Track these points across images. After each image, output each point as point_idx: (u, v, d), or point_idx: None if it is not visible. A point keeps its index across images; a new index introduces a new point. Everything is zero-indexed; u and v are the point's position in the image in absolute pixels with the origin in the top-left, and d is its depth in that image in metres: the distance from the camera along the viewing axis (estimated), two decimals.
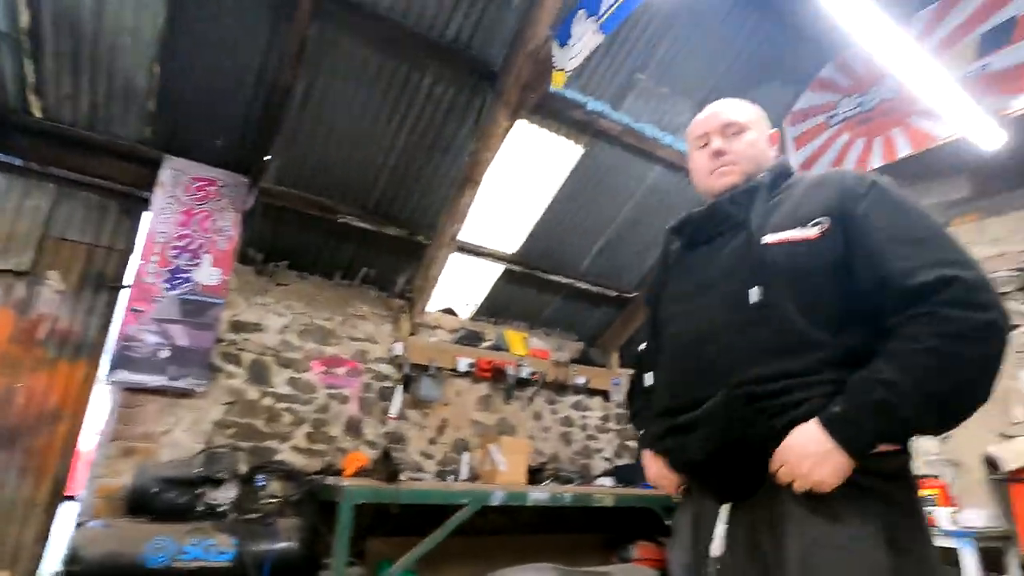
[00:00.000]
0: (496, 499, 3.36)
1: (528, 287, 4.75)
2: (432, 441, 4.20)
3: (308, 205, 3.66)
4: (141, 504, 2.79)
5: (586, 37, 2.49)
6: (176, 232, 3.52)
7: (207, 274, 3.54)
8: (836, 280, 1.05)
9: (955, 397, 0.94)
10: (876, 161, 3.47)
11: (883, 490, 0.96)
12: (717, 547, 1.05)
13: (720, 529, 1.05)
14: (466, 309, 4.87)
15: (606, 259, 4.83)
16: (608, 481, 4.59)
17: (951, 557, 2.89)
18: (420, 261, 4.07)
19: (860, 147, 3.59)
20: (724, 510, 1.06)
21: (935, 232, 1.02)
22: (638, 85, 3.76)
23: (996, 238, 3.62)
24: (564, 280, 4.75)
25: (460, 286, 4.74)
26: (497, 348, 4.64)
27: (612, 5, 2.33)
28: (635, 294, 5.10)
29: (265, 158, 3.43)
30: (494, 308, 4.86)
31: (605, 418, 5.28)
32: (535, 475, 3.76)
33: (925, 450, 3.61)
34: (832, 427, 0.95)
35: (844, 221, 1.07)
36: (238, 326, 3.67)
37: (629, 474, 4.65)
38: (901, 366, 0.93)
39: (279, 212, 3.68)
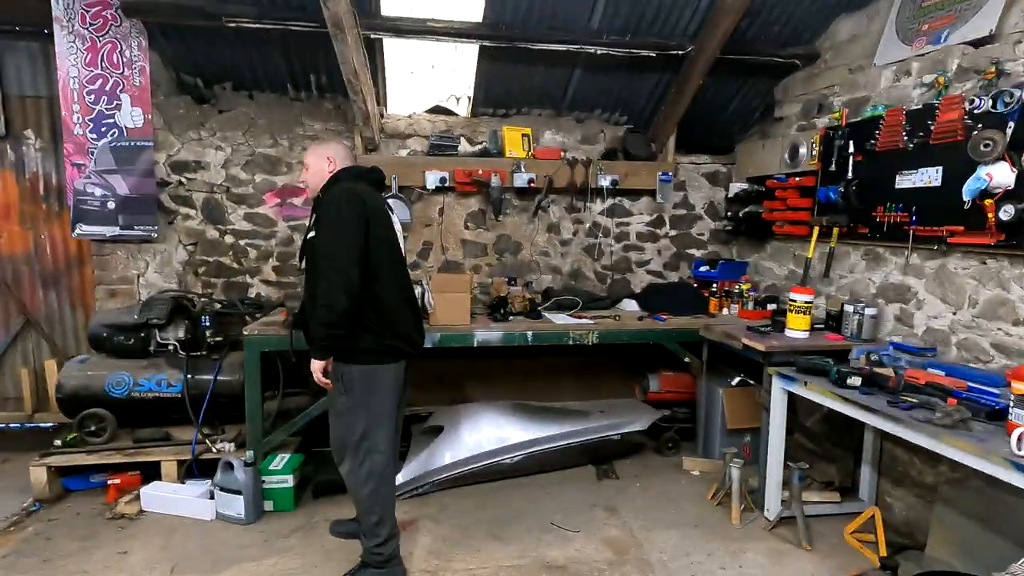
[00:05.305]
0: (427, 342, 3.01)
1: (520, 64, 3.54)
2: (415, 265, 3.87)
3: (188, 15, 3.03)
4: (100, 344, 3.19)
5: None
6: (87, 73, 3.32)
7: (129, 116, 3.37)
8: None
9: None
10: None
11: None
12: None
13: None
14: (458, 105, 3.96)
15: (629, 6, 3.23)
16: (635, 305, 3.78)
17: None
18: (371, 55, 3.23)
19: None
20: None
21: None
22: None
23: None
24: (565, 47, 3.38)
25: (440, 77, 3.78)
26: (486, 153, 3.77)
27: None
28: (689, 48, 3.45)
29: None
30: (491, 98, 3.82)
31: (657, 223, 4.19)
32: (494, 309, 3.23)
33: None
34: None
35: None
36: (178, 167, 3.56)
37: (660, 297, 3.74)
38: None
39: (164, 29, 3.15)
